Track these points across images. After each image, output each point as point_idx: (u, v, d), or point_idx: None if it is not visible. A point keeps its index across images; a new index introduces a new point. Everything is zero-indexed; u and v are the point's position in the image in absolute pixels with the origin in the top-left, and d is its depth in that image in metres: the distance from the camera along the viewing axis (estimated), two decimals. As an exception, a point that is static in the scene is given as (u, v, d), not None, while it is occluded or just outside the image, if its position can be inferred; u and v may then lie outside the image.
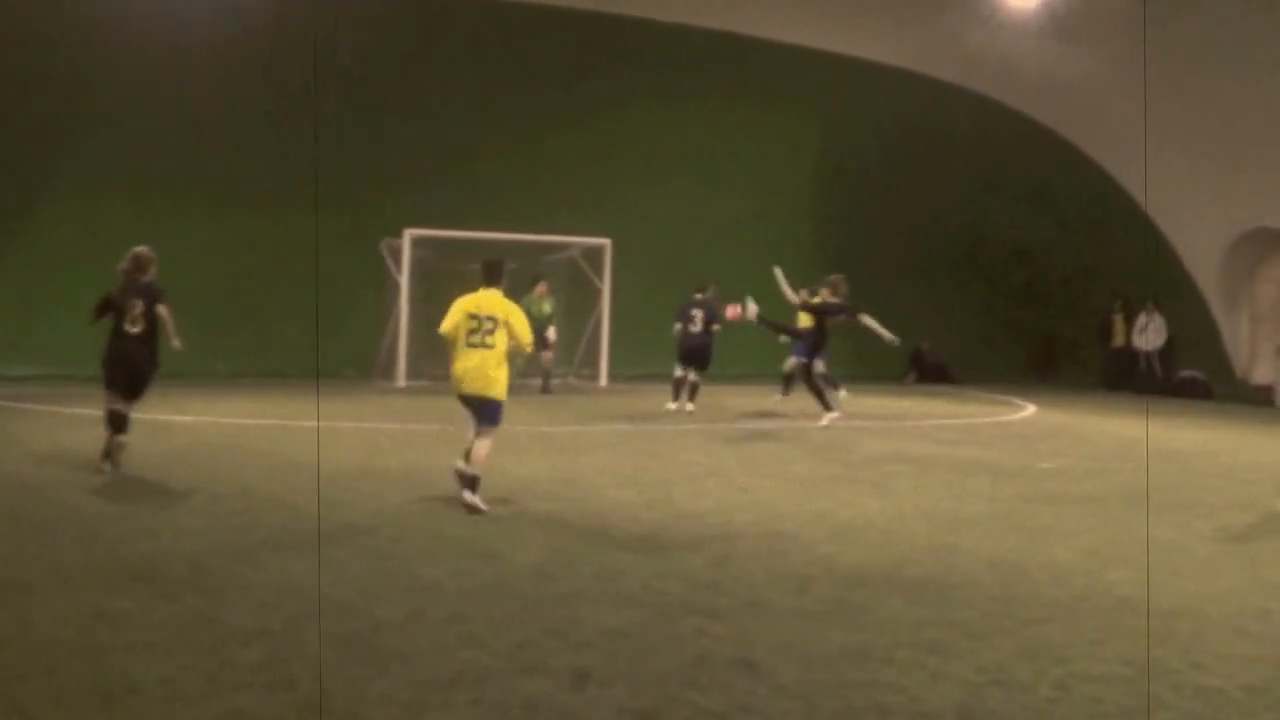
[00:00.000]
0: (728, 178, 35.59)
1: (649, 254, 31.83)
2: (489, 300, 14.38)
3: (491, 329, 14.18)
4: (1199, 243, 37.08)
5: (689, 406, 25.20)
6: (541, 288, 29.18)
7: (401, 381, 28.79)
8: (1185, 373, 36.98)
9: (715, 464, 18.21)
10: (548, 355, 29.07)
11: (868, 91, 36.35)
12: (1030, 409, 29.78)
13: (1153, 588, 11.07)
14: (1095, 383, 37.45)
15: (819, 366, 25.12)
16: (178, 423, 20.67)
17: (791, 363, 27.09)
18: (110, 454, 15.59)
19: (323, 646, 8.52)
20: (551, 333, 29.08)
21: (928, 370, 37.78)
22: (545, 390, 28.83)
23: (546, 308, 28.93)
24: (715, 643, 8.87)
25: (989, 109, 38.23)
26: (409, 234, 29.13)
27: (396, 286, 29.31)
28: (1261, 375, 36.99)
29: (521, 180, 32.22)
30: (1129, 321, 38.29)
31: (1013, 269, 38.30)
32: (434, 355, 29.73)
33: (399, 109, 31.26)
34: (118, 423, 15.68)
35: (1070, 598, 10.70)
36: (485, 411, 14.33)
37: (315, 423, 21.18)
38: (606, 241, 30.90)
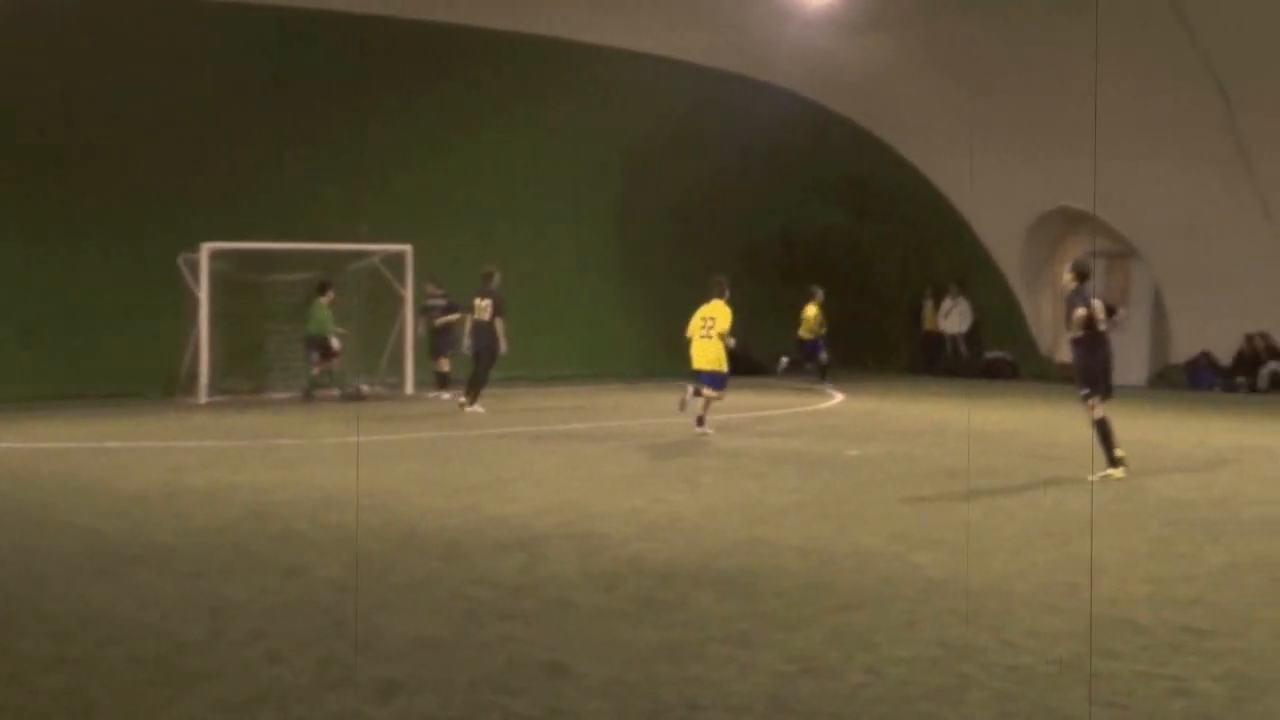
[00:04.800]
0: (532, 178, 35.47)
1: (452, 258, 31.61)
2: None
3: None
4: (1000, 226, 37.59)
5: (462, 400, 25.93)
6: (330, 295, 29.05)
7: (203, 398, 28.36)
8: (992, 354, 37.59)
9: (524, 467, 18.16)
10: (331, 363, 28.97)
11: (671, 89, 36.33)
12: (838, 397, 30.07)
13: (960, 568, 11.25)
14: (904, 368, 37.93)
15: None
16: (-29, 450, 20.24)
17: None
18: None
19: (125, 670, 8.38)
20: (335, 342, 28.90)
21: (735, 365, 37.90)
22: (308, 399, 28.88)
23: (327, 314, 28.90)
24: (525, 646, 8.84)
25: (791, 102, 38.42)
26: (206, 248, 28.68)
27: (196, 301, 28.84)
28: (1065, 353, 37.66)
29: (320, 189, 31.80)
30: (937, 307, 38.89)
31: (814, 258, 38.57)
32: (237, 370, 29.48)
33: (191, 122, 30.73)
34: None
35: (879, 582, 10.82)
36: None
37: (118, 444, 20.84)
38: (407, 247, 30.64)
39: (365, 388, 29.70)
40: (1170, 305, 34.72)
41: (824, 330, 33.12)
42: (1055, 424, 23.98)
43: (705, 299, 23.27)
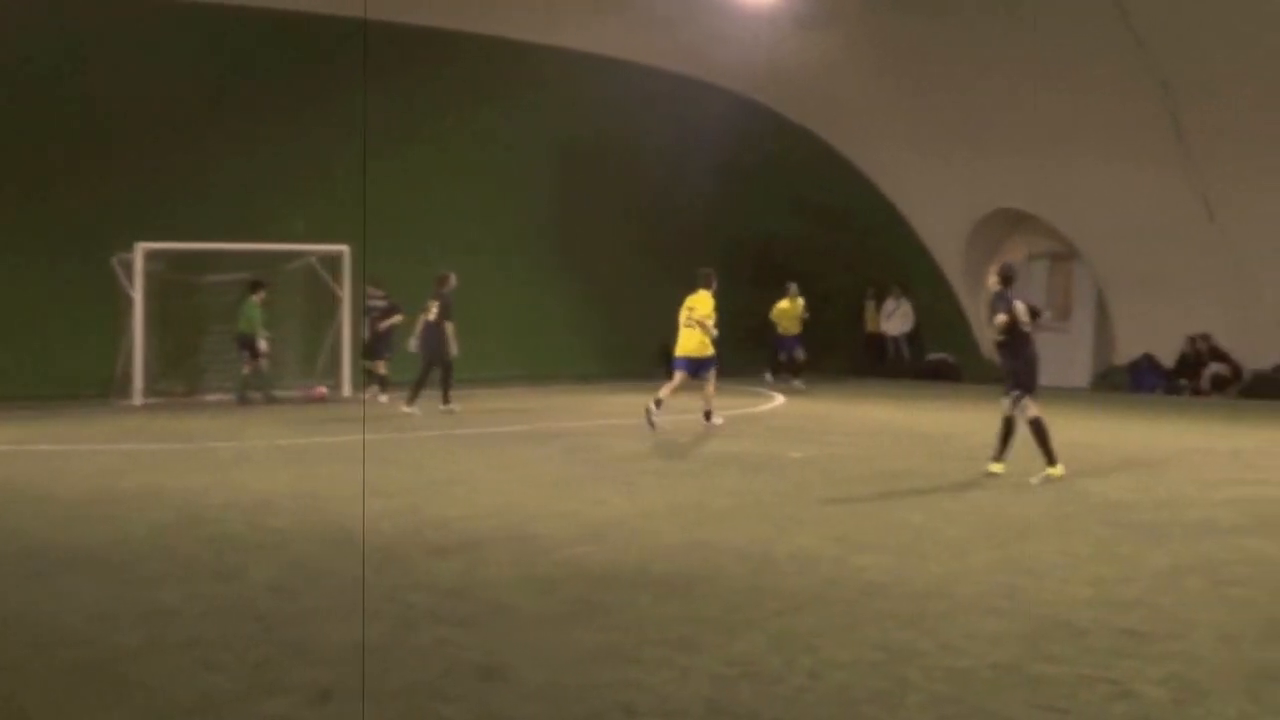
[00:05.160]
0: (474, 179, 35.36)
1: (392, 259, 31.47)
2: None
3: None
4: (942, 227, 37.70)
5: (384, 399, 25.91)
6: (261, 294, 28.97)
7: (138, 400, 28.17)
8: (934, 355, 37.74)
9: (462, 470, 18.11)
10: (258, 364, 28.89)
11: (614, 89, 36.27)
12: (779, 399, 30.13)
13: (901, 570, 11.27)
14: (846, 370, 38.00)
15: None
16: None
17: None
18: None
19: (56, 677, 8.31)
20: (263, 343, 28.81)
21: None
22: (258, 400, 28.82)
23: (258, 313, 28.83)
24: (461, 651, 8.80)
25: (735, 103, 38.44)
26: (140, 248, 28.48)
27: (130, 302, 28.63)
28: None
29: (257, 189, 31.63)
30: (878, 308, 39.04)
31: (759, 260, 38.62)
32: (171, 372, 29.29)
33: (124, 120, 30.49)
34: None
35: (820, 585, 10.82)
36: None
37: (50, 447, 20.70)
38: (345, 248, 30.51)
39: (323, 389, 29.77)
40: (1113, 307, 34.90)
41: (800, 327, 33.55)
42: (997, 426, 24.01)
43: (692, 290, 23.80)
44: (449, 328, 26.06)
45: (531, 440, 21.96)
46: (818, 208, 38.81)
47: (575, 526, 13.46)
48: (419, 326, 26.60)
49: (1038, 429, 17.37)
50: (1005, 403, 17.67)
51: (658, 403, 23.07)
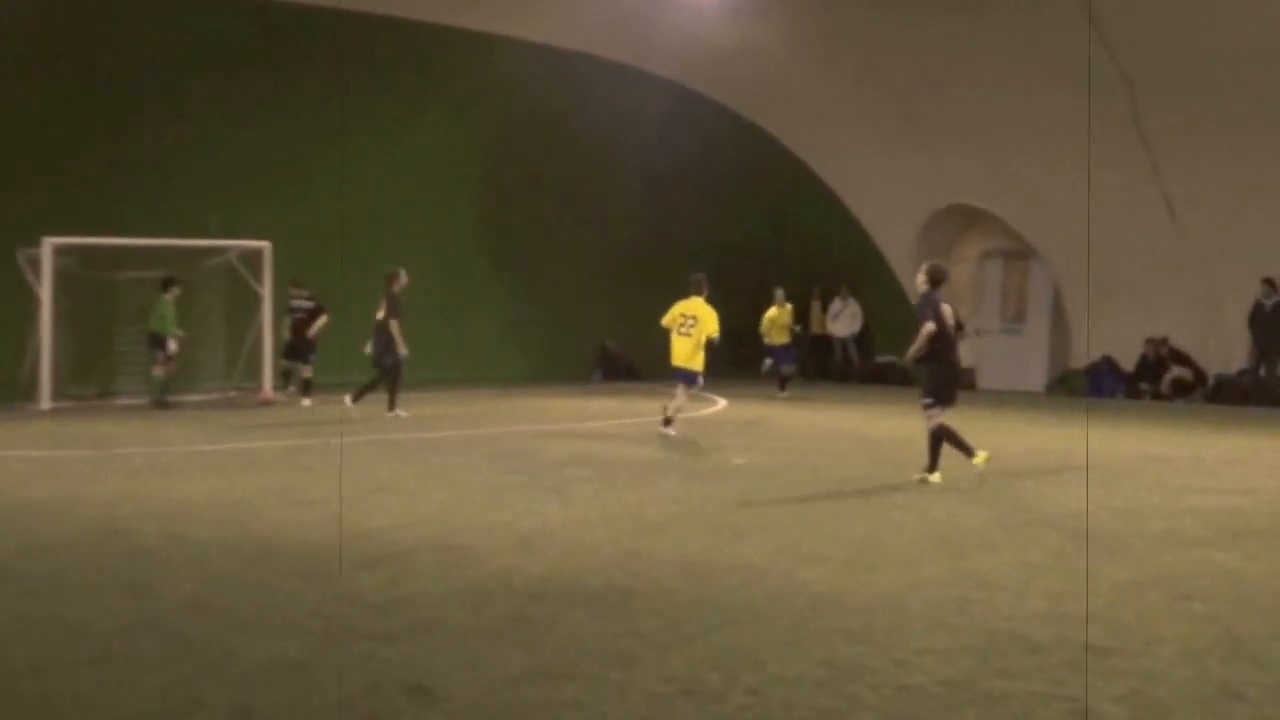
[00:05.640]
0: (400, 172, 35.26)
1: (315, 255, 31.35)
2: None
3: None
4: (893, 224, 37.86)
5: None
6: (174, 292, 28.86)
7: (47, 403, 27.97)
8: (883, 358, 37.85)
9: (389, 477, 18.05)
10: (168, 366, 28.81)
11: (549, 78, 36.29)
12: (722, 403, 30.17)
13: (849, 583, 11.30)
14: (792, 373, 38.08)
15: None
16: None
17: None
18: None
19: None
20: (172, 344, 28.67)
21: (615, 368, 38.01)
22: (160, 406, 28.65)
23: (170, 312, 28.74)
24: (387, 668, 8.77)
25: (676, 94, 38.54)
26: (49, 243, 28.25)
27: (38, 300, 28.39)
28: (962, 357, 37.95)
29: (175, 182, 31.47)
30: (825, 308, 39.13)
31: (697, 254, 38.68)
32: (83, 374, 29.04)
33: (33, 108, 30.27)
34: None
35: (764, 599, 10.83)
36: None
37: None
38: (266, 244, 30.40)
39: (270, 392, 29.74)
40: (1070, 307, 35.09)
41: (789, 336, 33.44)
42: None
43: (684, 295, 23.68)
44: (394, 326, 25.99)
45: (462, 446, 21.92)
46: (762, 204, 38.91)
47: (507, 537, 13.44)
48: (372, 328, 26.56)
49: (935, 438, 17.61)
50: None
51: (667, 421, 23.32)
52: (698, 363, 23.24)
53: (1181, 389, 32.53)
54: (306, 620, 10.06)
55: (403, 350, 26.05)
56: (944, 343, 17.68)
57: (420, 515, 14.82)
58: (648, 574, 11.72)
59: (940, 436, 17.64)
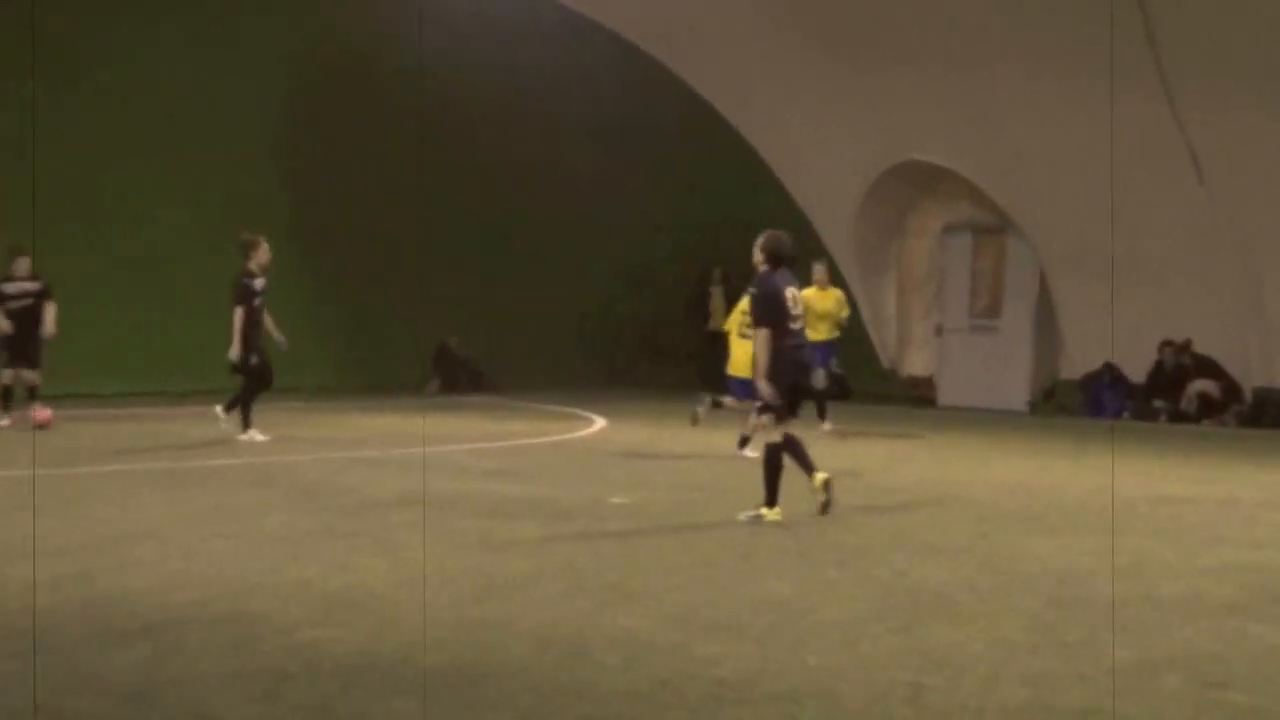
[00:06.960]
0: (164, 116, 35.09)
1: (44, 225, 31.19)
2: None
3: None
4: (826, 188, 37.81)
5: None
6: None
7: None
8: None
9: (149, 520, 17.91)
10: None
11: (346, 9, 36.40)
12: (600, 423, 30.23)
13: (765, 664, 11.32)
14: (686, 382, 38.14)
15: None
16: None
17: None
18: None
19: None
20: None
21: (457, 375, 38.00)
22: None
23: None
24: (139, 784, 8.74)
25: (552, 15, 38.66)
26: None
27: None
28: (917, 364, 38.02)
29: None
30: (731, 298, 39.15)
31: (570, 230, 38.82)
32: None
33: None
34: None
35: (650, 684, 10.82)
36: None
37: None
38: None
39: (46, 412, 29.38)
40: (1061, 299, 35.28)
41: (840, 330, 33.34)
42: (903, 462, 24.27)
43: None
44: (237, 317, 25.90)
45: (250, 478, 21.87)
46: (660, 158, 39.00)
47: (309, 601, 13.39)
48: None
49: (773, 458, 17.73)
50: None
51: (744, 440, 24.07)
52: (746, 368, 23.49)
53: (1208, 407, 32.77)
54: (33, 716, 9.97)
55: (233, 351, 25.95)
56: (784, 333, 17.69)
57: (190, 572, 14.72)
58: (498, 650, 11.72)
59: (777, 460, 17.70)
